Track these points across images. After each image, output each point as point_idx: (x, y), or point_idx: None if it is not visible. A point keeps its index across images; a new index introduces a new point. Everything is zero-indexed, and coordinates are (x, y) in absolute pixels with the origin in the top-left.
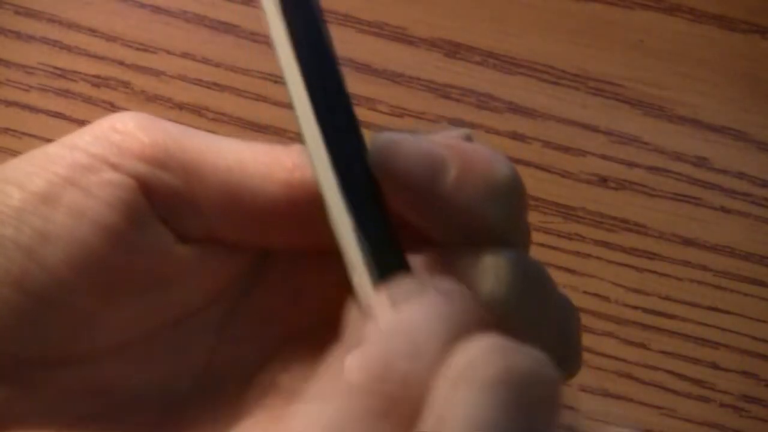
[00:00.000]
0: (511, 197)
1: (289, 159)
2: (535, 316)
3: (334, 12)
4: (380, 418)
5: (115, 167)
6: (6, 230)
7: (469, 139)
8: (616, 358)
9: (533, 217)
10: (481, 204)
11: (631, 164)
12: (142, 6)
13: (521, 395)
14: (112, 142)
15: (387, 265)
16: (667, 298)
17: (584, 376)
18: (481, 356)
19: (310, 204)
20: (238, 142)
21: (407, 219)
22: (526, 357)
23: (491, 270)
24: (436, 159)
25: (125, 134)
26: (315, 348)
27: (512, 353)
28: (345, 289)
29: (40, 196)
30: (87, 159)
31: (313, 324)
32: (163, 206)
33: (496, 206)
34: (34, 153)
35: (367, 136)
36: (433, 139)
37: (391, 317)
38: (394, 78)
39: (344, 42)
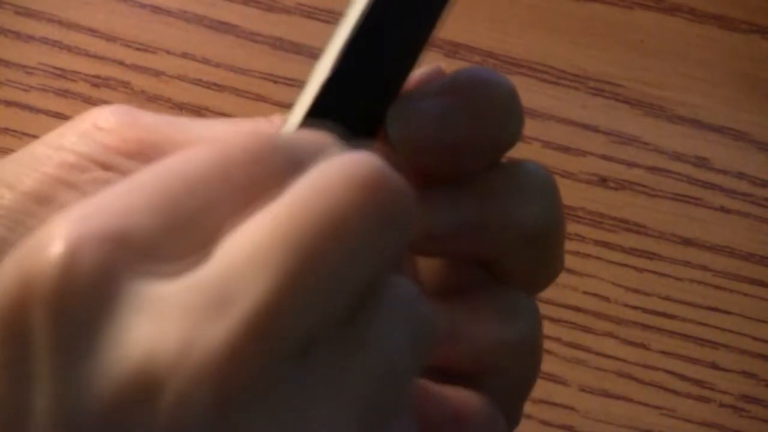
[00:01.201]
0: (516, 102)
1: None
2: (563, 221)
3: (334, 12)
4: (228, 171)
5: (104, 166)
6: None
7: (440, 71)
8: (616, 358)
9: None
10: (498, 124)
11: (631, 164)
12: (142, 6)
13: (375, 201)
14: (97, 141)
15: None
16: (667, 299)
17: (584, 376)
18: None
19: None
20: (224, 123)
21: (431, 169)
22: (393, 175)
23: (530, 187)
24: (446, 111)
25: (109, 132)
26: None
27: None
28: None
29: (31, 196)
30: (74, 158)
31: None
32: None
33: (510, 119)
34: (20, 154)
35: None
36: (431, 91)
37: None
38: None
39: None
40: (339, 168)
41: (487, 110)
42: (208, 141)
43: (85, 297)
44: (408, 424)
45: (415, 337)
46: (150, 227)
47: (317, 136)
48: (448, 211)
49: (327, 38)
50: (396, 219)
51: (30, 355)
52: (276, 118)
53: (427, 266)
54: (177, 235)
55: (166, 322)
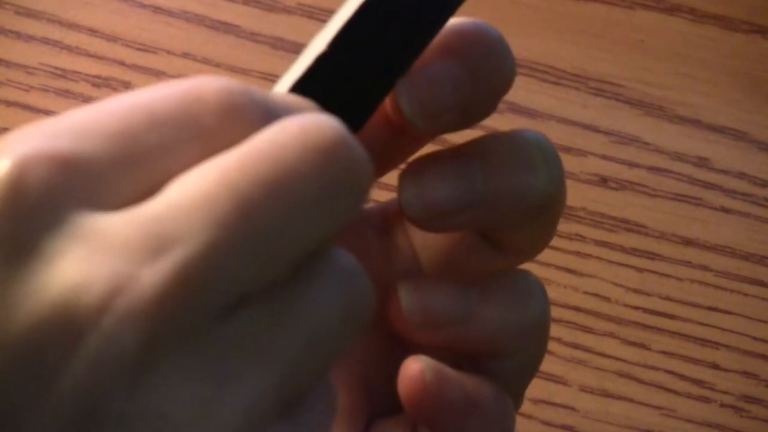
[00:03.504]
0: (506, 45)
1: None
2: (565, 189)
3: (334, 12)
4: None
5: None
6: None
7: None
8: (617, 359)
9: None
10: (498, 72)
11: (632, 164)
12: (143, 6)
13: (329, 165)
14: None
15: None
16: (667, 299)
17: (584, 376)
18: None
19: None
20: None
21: (440, 131)
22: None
23: (534, 157)
24: (454, 75)
25: None
26: None
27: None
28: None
29: None
30: None
31: None
32: None
33: (506, 64)
34: None
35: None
36: (430, 56)
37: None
38: None
39: None
40: (299, 126)
41: (487, 64)
42: (181, 81)
43: (24, 215)
44: (328, 394)
45: (351, 308)
46: (103, 155)
47: (296, 99)
48: (455, 185)
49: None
50: (348, 186)
51: None
52: None
53: (431, 248)
54: (130, 168)
55: (98, 255)
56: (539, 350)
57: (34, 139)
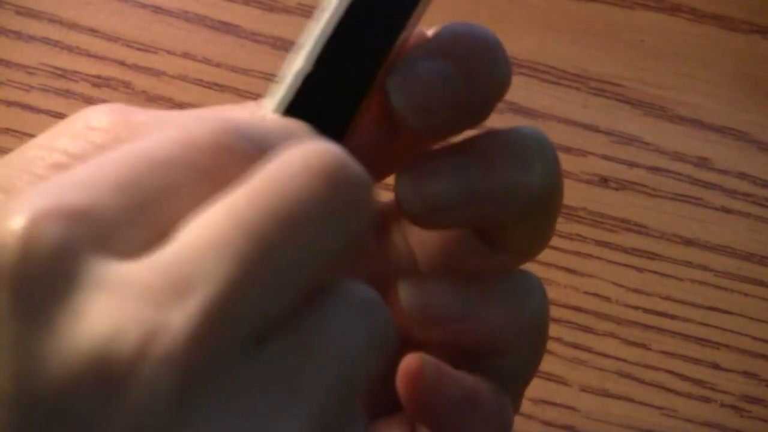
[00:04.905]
0: (501, 49)
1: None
2: (562, 185)
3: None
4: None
5: None
6: None
7: (421, 32)
8: (617, 359)
9: None
10: (491, 76)
11: (632, 164)
12: (143, 6)
13: (334, 190)
14: (90, 141)
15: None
16: (667, 299)
17: (584, 376)
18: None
19: None
20: (216, 111)
21: (430, 132)
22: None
23: (530, 152)
24: (446, 73)
25: (103, 131)
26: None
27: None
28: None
29: None
30: (67, 159)
31: None
32: None
33: (500, 67)
34: (11, 157)
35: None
36: (423, 53)
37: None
38: None
39: None
40: (300, 156)
41: (480, 65)
42: (175, 126)
43: (43, 271)
44: (362, 427)
45: (373, 336)
46: (112, 205)
47: (285, 123)
48: (452, 180)
49: (304, 31)
50: (355, 206)
51: None
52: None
53: (429, 248)
54: (139, 216)
55: (124, 303)
56: (538, 349)
57: (42, 196)
